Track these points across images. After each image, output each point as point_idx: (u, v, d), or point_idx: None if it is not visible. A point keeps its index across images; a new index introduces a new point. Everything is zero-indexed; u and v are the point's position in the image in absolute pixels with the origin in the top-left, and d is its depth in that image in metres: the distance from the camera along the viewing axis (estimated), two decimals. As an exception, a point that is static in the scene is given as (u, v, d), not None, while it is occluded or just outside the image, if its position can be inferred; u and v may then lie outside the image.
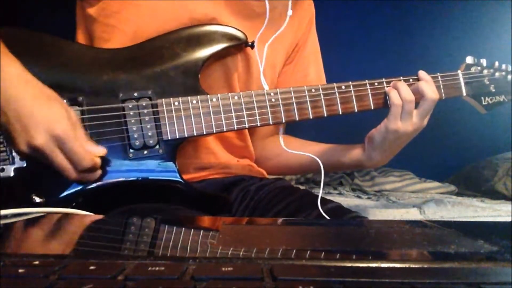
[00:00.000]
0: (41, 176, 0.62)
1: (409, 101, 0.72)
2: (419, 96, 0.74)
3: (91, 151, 0.59)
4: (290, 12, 0.77)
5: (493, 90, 0.83)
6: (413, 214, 1.17)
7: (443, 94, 0.79)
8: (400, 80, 0.75)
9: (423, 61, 1.89)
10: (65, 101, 0.62)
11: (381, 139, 0.75)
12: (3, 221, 0.40)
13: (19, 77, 0.57)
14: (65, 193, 0.62)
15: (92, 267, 0.25)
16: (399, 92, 0.73)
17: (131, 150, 0.64)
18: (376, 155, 0.78)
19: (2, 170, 0.60)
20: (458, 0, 1.92)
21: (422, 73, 0.77)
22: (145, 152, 0.65)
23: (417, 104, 0.74)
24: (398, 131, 0.73)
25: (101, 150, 0.61)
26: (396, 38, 1.98)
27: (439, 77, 0.79)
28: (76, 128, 0.59)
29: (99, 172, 0.62)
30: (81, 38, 0.75)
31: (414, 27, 2.00)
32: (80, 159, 0.58)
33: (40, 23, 0.71)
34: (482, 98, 0.82)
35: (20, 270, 0.24)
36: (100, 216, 0.48)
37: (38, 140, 0.55)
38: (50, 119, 0.56)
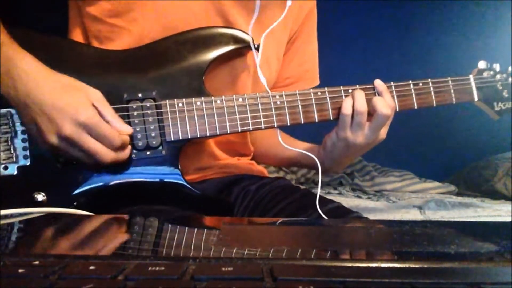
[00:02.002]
0: (44, 174, 0.62)
1: (359, 112, 0.69)
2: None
3: (119, 129, 0.60)
4: (289, 3, 0.75)
5: (506, 96, 0.80)
6: (413, 214, 1.17)
7: (453, 99, 0.77)
8: (356, 88, 0.72)
9: (423, 60, 1.89)
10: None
11: (331, 145, 0.74)
12: (3, 221, 0.40)
13: (35, 69, 0.58)
14: (67, 192, 0.62)
15: (92, 267, 0.25)
16: (354, 101, 0.70)
17: (134, 151, 0.64)
18: (327, 161, 0.78)
19: (6, 168, 0.60)
20: (458, 0, 1.92)
21: (377, 83, 0.72)
22: (148, 153, 0.64)
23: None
24: (347, 140, 0.71)
25: (128, 129, 0.62)
26: (396, 37, 1.99)
27: (450, 81, 0.77)
28: (102, 108, 0.59)
29: (129, 148, 0.62)
30: (76, 37, 0.74)
31: (414, 27, 2.00)
32: (111, 139, 0.59)
33: (30, 22, 0.70)
34: (495, 103, 0.80)
35: (20, 270, 0.24)
36: (100, 216, 0.48)
37: (67, 130, 0.56)
38: (73, 107, 0.57)
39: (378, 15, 1.98)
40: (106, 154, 0.59)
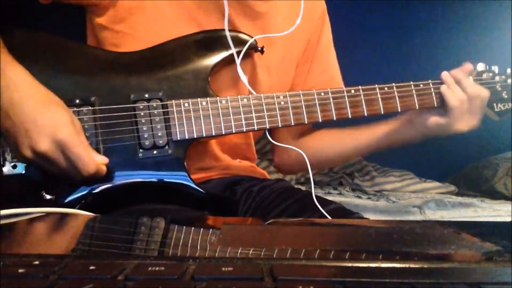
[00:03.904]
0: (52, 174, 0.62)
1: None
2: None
3: (95, 159, 0.59)
4: (299, 21, 0.76)
5: (506, 97, 0.81)
6: (413, 214, 1.17)
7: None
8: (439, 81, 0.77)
9: (423, 61, 1.89)
10: (77, 100, 0.63)
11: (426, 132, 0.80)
12: (3, 221, 0.40)
13: (23, 81, 0.57)
14: (74, 192, 0.62)
15: (92, 267, 0.25)
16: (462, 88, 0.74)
17: (141, 150, 0.65)
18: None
19: (15, 167, 0.61)
20: (458, 0, 1.92)
21: (444, 76, 0.77)
22: (155, 152, 0.65)
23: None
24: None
25: (103, 159, 0.60)
26: (397, 38, 1.98)
27: None
28: (79, 134, 0.58)
29: (103, 173, 0.61)
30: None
31: (414, 27, 2.00)
32: (85, 164, 0.57)
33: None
34: (495, 104, 0.81)
35: (20, 270, 0.24)
36: (100, 216, 0.48)
37: (42, 146, 0.55)
38: (54, 124, 0.56)
39: (377, 15, 1.98)
40: (75, 177, 0.58)
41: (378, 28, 1.98)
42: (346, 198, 1.41)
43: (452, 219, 1.12)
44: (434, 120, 0.77)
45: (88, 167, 0.58)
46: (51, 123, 0.56)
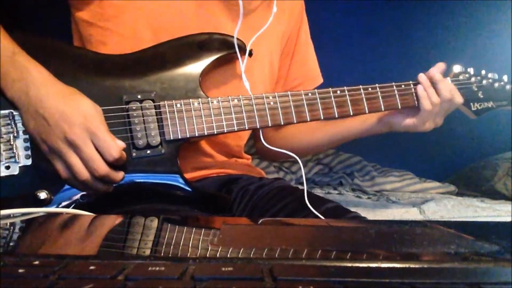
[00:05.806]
0: (45, 174, 0.62)
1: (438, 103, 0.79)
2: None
3: (117, 143, 0.61)
4: (275, 9, 0.78)
5: (482, 96, 0.85)
6: (413, 214, 1.17)
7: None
8: (409, 84, 0.79)
9: (421, 61, 1.88)
10: None
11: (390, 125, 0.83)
12: (4, 221, 0.40)
13: (47, 79, 0.60)
14: (69, 190, 0.63)
15: (92, 267, 0.25)
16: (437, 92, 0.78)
17: (134, 150, 0.66)
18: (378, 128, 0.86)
19: (8, 167, 0.61)
20: (458, 0, 1.92)
21: (421, 78, 0.79)
22: (148, 151, 0.66)
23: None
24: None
25: (122, 143, 0.62)
26: (395, 38, 1.98)
27: None
28: (103, 120, 0.61)
29: (122, 174, 0.62)
30: (76, 42, 0.77)
31: (412, 27, 2.00)
32: (111, 147, 0.59)
33: (38, 30, 0.71)
34: (472, 104, 0.85)
35: (20, 270, 0.24)
36: (100, 216, 0.48)
37: (73, 134, 0.57)
38: (81, 113, 0.58)
39: (377, 15, 1.98)
40: (102, 164, 0.59)
41: (377, 28, 1.98)
42: (346, 198, 1.41)
43: (452, 219, 1.12)
44: (401, 121, 0.81)
45: (113, 151, 0.59)
46: (79, 112, 0.58)
